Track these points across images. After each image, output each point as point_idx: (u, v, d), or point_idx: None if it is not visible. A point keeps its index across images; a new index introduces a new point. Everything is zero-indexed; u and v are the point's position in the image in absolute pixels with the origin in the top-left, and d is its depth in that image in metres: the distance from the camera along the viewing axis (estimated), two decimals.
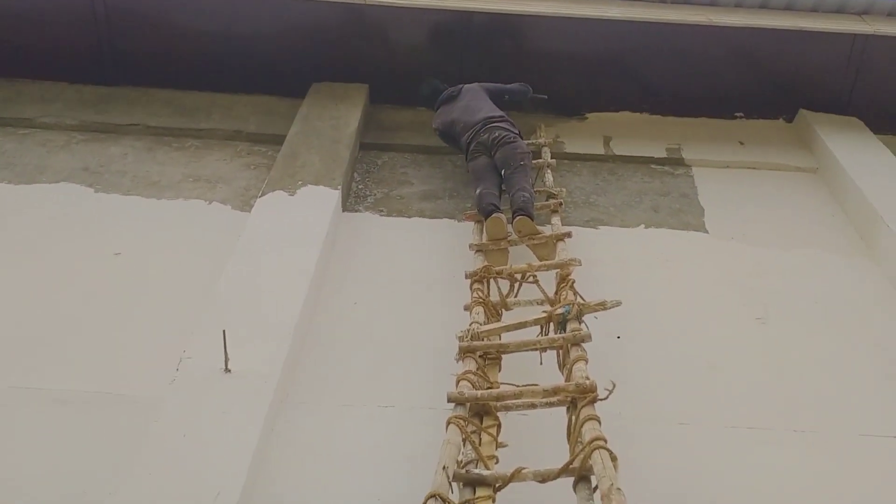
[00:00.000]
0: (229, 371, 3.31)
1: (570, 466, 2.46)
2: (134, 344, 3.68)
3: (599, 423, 2.61)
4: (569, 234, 4.24)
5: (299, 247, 4.13)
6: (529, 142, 5.13)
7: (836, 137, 5.51)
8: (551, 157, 5.13)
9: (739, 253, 4.59)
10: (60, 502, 2.91)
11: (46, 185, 4.81)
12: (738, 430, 3.42)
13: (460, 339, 3.30)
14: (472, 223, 4.50)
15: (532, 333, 3.38)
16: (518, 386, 2.95)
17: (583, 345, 3.09)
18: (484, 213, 4.37)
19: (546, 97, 5.41)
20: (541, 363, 3.26)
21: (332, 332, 3.84)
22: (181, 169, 5.07)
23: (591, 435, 2.51)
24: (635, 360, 3.72)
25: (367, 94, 5.71)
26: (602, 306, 3.32)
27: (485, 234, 4.33)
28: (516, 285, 3.90)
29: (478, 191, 4.51)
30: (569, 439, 2.69)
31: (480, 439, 2.80)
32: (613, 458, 2.41)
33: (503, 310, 3.76)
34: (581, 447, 2.49)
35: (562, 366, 3.11)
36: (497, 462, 2.75)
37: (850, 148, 5.38)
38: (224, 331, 3.27)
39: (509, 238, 4.28)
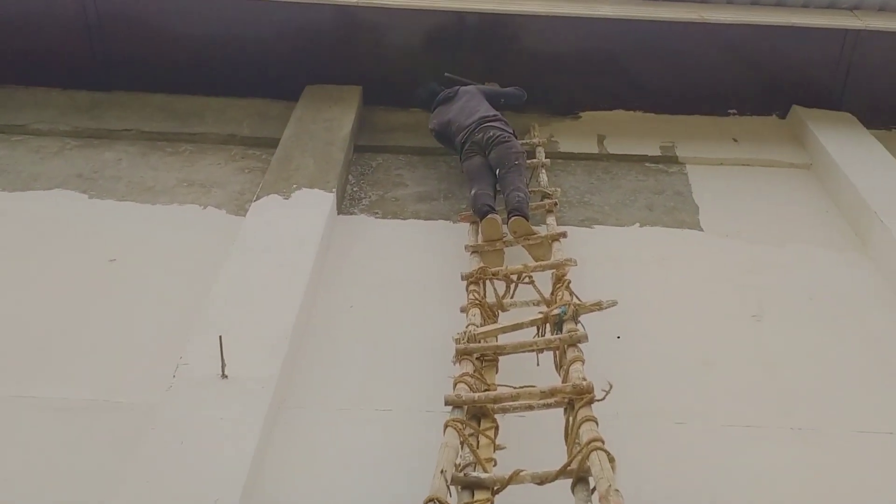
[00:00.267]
0: (226, 377, 3.31)
1: (568, 468, 2.46)
2: (130, 350, 3.68)
3: (597, 423, 2.61)
4: (564, 234, 4.24)
5: (295, 250, 4.12)
6: (524, 141, 5.14)
7: (829, 133, 5.52)
8: (546, 157, 5.14)
9: (734, 250, 4.60)
10: None
11: (40, 192, 4.80)
12: (734, 429, 3.43)
13: (457, 341, 3.29)
14: (468, 224, 4.50)
15: (529, 335, 3.38)
16: (515, 388, 2.94)
17: (579, 345, 3.09)
18: (479, 213, 4.37)
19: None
20: (538, 364, 3.25)
21: (328, 336, 3.84)
22: (175, 174, 5.06)
23: (588, 436, 2.51)
24: (632, 359, 3.72)
25: (360, 95, 5.71)
26: (598, 306, 3.31)
27: (480, 235, 4.33)
28: (512, 286, 3.90)
29: (473, 191, 4.51)
30: (566, 441, 2.69)
31: (478, 442, 2.80)
32: (611, 460, 2.40)
33: (499, 311, 3.76)
34: (579, 449, 2.49)
35: (559, 367, 3.11)
36: (495, 465, 2.75)
37: (843, 143, 5.40)
38: (220, 336, 3.27)
39: (505, 239, 4.28)
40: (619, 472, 2.39)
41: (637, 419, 3.39)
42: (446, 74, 5.38)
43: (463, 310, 3.69)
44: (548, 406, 2.85)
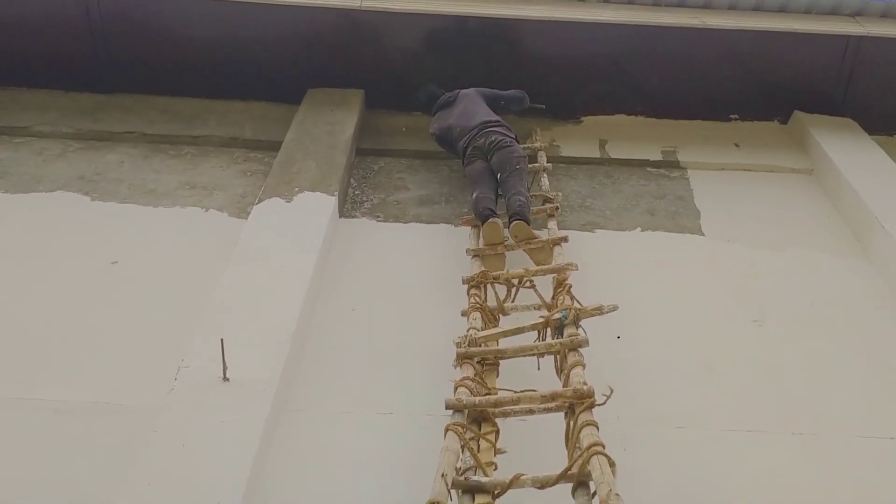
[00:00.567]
0: (227, 379, 3.31)
1: (569, 472, 2.46)
2: (131, 353, 3.68)
3: (597, 428, 2.61)
4: (565, 239, 4.25)
5: (296, 253, 4.13)
6: (525, 146, 5.14)
7: (830, 138, 5.52)
8: (547, 161, 5.15)
9: (736, 255, 4.60)
10: None
11: (43, 194, 4.81)
12: (735, 433, 3.43)
13: (458, 345, 3.30)
14: (469, 228, 4.51)
15: (529, 339, 3.38)
16: (516, 392, 2.95)
17: (580, 350, 3.09)
18: (480, 217, 4.37)
19: (544, 107, 5.43)
20: (538, 368, 3.26)
21: (329, 339, 3.84)
22: (177, 176, 5.07)
23: (589, 441, 2.51)
24: (633, 363, 3.72)
25: (362, 99, 5.72)
26: (599, 311, 3.33)
27: (481, 238, 4.33)
28: (513, 290, 3.91)
29: (474, 195, 4.52)
30: (567, 445, 2.70)
31: (479, 446, 2.81)
32: (612, 464, 2.41)
33: (500, 315, 3.76)
34: (579, 453, 2.49)
35: (559, 371, 3.12)
36: (496, 468, 2.76)
37: (844, 149, 5.40)
38: (222, 339, 3.28)
39: (506, 243, 4.29)
40: (619, 477, 2.39)
41: (638, 424, 3.39)
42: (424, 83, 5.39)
43: (464, 313, 3.70)
44: (548, 410, 2.86)
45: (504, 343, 3.41)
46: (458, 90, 5.20)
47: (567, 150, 5.55)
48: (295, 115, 5.49)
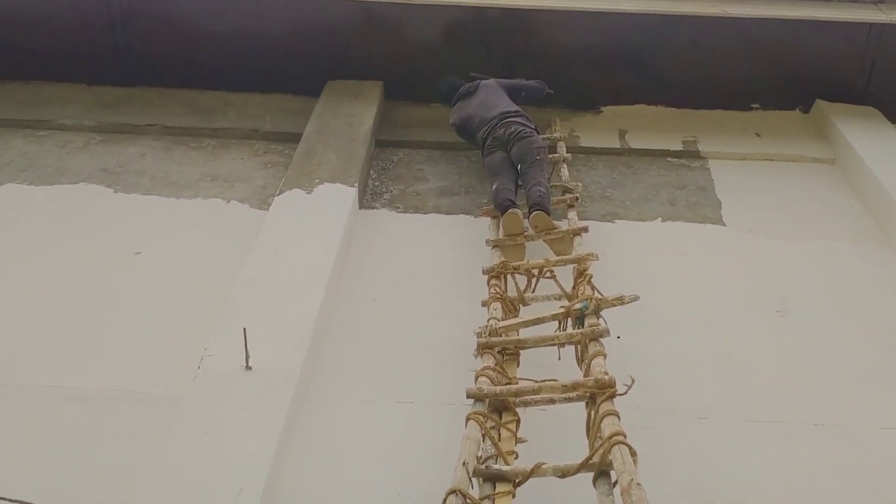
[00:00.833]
0: (250, 368, 3.34)
1: (590, 462, 2.47)
2: (155, 342, 3.72)
3: (619, 418, 2.61)
4: (585, 229, 4.23)
5: (317, 244, 4.15)
6: (545, 136, 5.13)
7: (853, 127, 5.47)
8: (567, 152, 5.13)
9: (757, 245, 4.57)
10: (84, 499, 2.95)
11: (66, 186, 4.87)
12: (757, 424, 3.42)
13: (478, 335, 3.31)
14: (489, 219, 4.51)
15: (550, 329, 3.37)
16: (537, 381, 2.96)
17: (601, 339, 3.09)
18: (500, 208, 4.37)
19: (552, 91, 5.40)
20: (559, 358, 3.26)
21: (350, 329, 3.86)
22: (199, 168, 5.11)
23: (610, 430, 2.51)
24: (654, 354, 3.71)
25: (381, 90, 5.73)
26: (620, 301, 3.32)
27: (501, 229, 4.33)
28: (533, 281, 3.91)
29: (494, 186, 4.52)
30: (588, 434, 2.70)
31: (500, 435, 2.82)
32: (633, 454, 2.41)
33: (521, 305, 3.77)
34: (600, 442, 2.49)
35: (580, 361, 3.12)
36: (516, 457, 2.77)
37: (867, 138, 5.34)
38: (244, 329, 3.30)
39: (526, 233, 4.28)
40: (640, 467, 2.39)
41: (659, 414, 3.39)
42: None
43: (484, 304, 3.70)
44: (569, 400, 2.86)
45: (525, 333, 3.41)
46: (478, 81, 5.19)
47: (587, 141, 5.53)
48: (315, 107, 5.51)
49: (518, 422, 2.90)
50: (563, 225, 4.33)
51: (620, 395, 2.73)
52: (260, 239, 4.20)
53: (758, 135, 5.66)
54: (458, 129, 5.11)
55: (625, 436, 2.47)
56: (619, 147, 5.50)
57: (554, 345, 3.25)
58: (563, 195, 4.64)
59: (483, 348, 3.23)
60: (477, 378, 3.02)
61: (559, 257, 4.02)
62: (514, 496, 2.51)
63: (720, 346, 3.84)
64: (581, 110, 5.84)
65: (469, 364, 3.24)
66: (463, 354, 3.39)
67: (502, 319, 3.48)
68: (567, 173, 4.89)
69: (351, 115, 5.40)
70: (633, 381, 2.71)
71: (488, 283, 3.83)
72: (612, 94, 5.89)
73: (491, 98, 4.96)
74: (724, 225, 4.76)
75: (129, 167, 5.08)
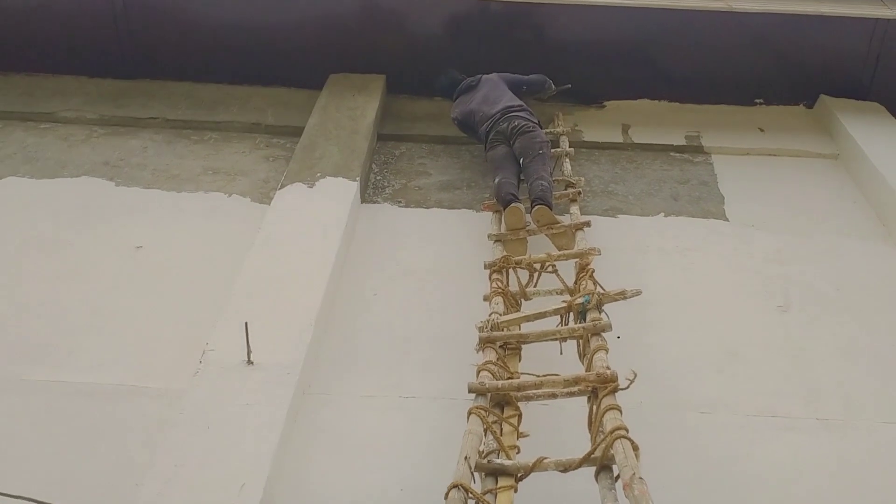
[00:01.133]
0: (252, 363, 3.34)
1: (592, 456, 2.46)
2: (157, 336, 3.72)
3: (621, 412, 2.61)
4: (588, 224, 4.23)
5: (319, 238, 4.15)
6: (548, 131, 5.12)
7: (857, 123, 5.45)
8: (570, 146, 5.12)
9: (760, 240, 4.56)
10: (87, 494, 2.95)
11: (68, 180, 4.86)
12: (760, 419, 3.41)
13: (480, 329, 3.30)
14: (491, 213, 4.50)
15: (552, 323, 3.38)
16: (538, 376, 2.95)
17: (603, 334, 3.08)
18: (502, 202, 4.36)
19: (570, 86, 5.39)
20: (561, 353, 3.26)
21: (352, 323, 3.86)
22: (201, 162, 5.10)
23: (612, 424, 2.51)
24: (656, 348, 3.71)
25: (384, 84, 5.72)
26: (622, 296, 3.31)
27: (503, 224, 4.33)
28: (535, 275, 3.89)
29: (496, 180, 4.51)
30: (590, 429, 2.70)
31: (502, 429, 2.82)
32: (635, 448, 2.41)
33: (523, 300, 3.76)
34: (602, 437, 2.49)
35: (582, 355, 3.11)
36: (518, 452, 2.77)
37: (871, 133, 5.32)
38: (246, 323, 3.30)
39: (528, 228, 4.28)
40: (643, 461, 2.39)
41: (661, 409, 3.38)
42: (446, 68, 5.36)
43: (486, 298, 3.70)
44: (571, 394, 2.86)
45: (526, 327, 3.41)
46: (480, 75, 5.18)
47: (590, 135, 5.51)
48: (317, 101, 5.50)
49: (520, 416, 2.90)
50: (565, 219, 4.33)
51: (622, 389, 2.72)
52: (261, 233, 4.19)
53: (761, 130, 5.65)
54: (460, 124, 5.10)
55: (627, 430, 2.47)
56: (622, 142, 5.48)
57: (556, 339, 3.25)
58: (565, 190, 4.63)
59: (485, 343, 3.22)
60: (479, 372, 3.02)
61: (561, 252, 4.01)
62: (516, 490, 2.51)
63: (723, 340, 3.83)
64: (584, 105, 5.82)
65: (471, 358, 3.23)
66: (464, 349, 3.38)
67: (504, 314, 3.47)
68: (570, 168, 4.88)
69: (353, 108, 5.39)
70: (636, 376, 2.71)
71: (490, 278, 3.82)
72: (615, 88, 5.87)
73: (493, 93, 4.94)
74: (727, 220, 4.75)
75: (131, 160, 5.07)
